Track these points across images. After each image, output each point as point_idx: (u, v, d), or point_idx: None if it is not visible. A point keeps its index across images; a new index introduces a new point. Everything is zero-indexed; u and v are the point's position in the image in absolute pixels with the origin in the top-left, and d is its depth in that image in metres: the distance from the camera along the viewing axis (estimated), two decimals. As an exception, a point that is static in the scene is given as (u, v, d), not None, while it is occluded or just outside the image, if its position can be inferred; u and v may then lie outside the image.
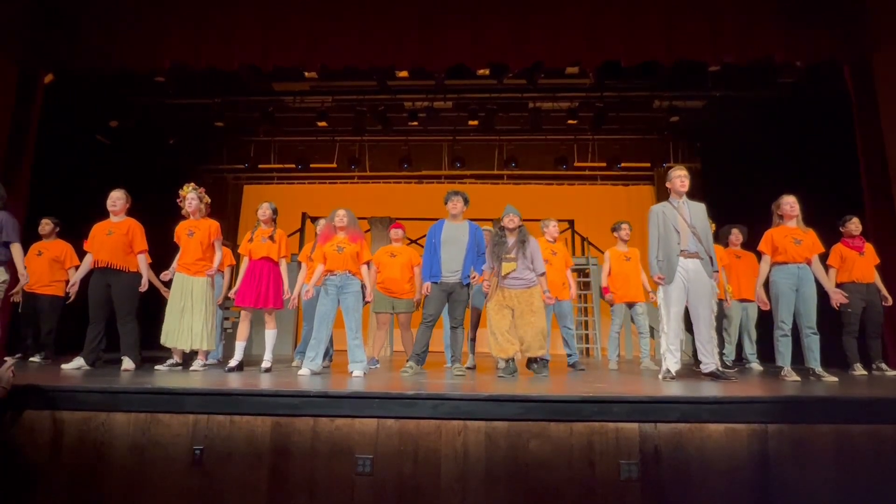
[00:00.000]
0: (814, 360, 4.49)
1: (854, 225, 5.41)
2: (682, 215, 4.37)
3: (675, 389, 3.74)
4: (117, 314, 4.72)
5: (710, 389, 3.69)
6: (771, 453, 3.02)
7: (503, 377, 4.52)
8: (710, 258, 4.33)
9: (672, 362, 4.29)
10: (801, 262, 4.57)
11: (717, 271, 4.43)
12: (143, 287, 4.78)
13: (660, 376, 4.34)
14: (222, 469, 3.10)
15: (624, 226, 6.17)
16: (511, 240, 4.73)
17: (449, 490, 3.04)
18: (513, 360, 4.64)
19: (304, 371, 4.46)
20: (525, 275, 4.66)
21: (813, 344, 4.50)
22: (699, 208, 4.47)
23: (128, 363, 4.61)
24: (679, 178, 4.46)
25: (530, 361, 4.79)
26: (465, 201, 4.93)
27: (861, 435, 3.06)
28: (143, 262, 4.82)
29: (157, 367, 4.71)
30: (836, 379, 4.32)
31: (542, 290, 4.73)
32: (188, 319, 4.66)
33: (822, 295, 4.68)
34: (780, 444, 3.04)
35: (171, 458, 3.12)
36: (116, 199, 4.82)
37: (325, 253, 4.68)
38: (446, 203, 4.93)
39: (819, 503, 2.99)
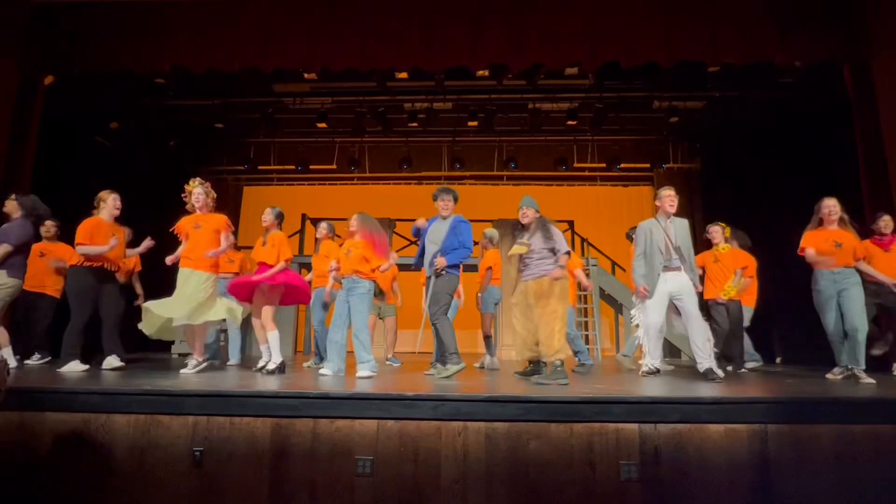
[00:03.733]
0: (853, 358, 4.46)
1: (884, 223, 5.24)
2: (668, 235, 4.58)
3: (674, 390, 3.75)
4: (106, 315, 4.70)
5: (710, 390, 3.70)
6: (771, 454, 3.02)
7: (519, 377, 4.52)
8: (692, 269, 4.58)
9: (650, 363, 4.69)
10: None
11: (697, 281, 4.65)
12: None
13: (640, 372, 4.72)
14: (222, 470, 3.10)
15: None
16: (527, 234, 4.52)
17: (449, 491, 3.04)
18: (538, 362, 4.49)
19: (324, 371, 4.54)
20: (542, 266, 4.36)
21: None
22: (683, 226, 4.66)
23: (116, 361, 4.60)
24: (668, 197, 4.65)
25: (544, 365, 4.41)
26: (455, 199, 4.89)
27: (861, 435, 3.06)
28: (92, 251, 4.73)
29: (183, 371, 4.61)
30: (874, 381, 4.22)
31: (555, 274, 4.29)
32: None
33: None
34: (780, 445, 3.04)
35: (171, 459, 3.12)
36: (119, 201, 4.89)
37: (338, 257, 4.88)
38: (435, 200, 4.88)
39: (819, 503, 2.99)
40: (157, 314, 4.43)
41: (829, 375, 4.62)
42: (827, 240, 4.61)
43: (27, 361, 5.39)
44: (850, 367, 4.46)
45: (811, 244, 4.64)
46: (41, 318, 5.58)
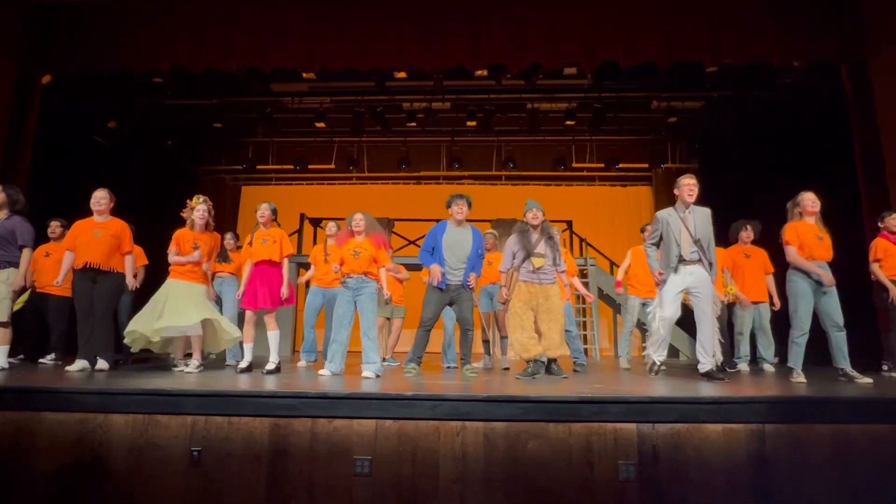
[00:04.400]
0: (843, 358, 4.33)
1: (894, 220, 5.16)
2: (686, 226, 4.40)
3: (672, 390, 3.75)
4: (96, 313, 4.64)
5: (708, 390, 3.70)
6: (768, 453, 3.03)
7: (520, 379, 4.38)
8: (710, 264, 4.39)
9: (656, 356, 4.57)
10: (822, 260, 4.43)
11: (715, 276, 4.46)
12: (132, 287, 4.82)
13: (649, 371, 4.62)
14: (220, 470, 3.09)
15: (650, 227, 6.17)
16: (535, 235, 4.65)
17: (447, 491, 3.04)
18: (536, 361, 4.50)
19: (324, 371, 4.52)
20: (551, 270, 4.63)
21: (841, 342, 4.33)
22: (704, 215, 4.46)
23: (102, 363, 4.52)
24: (688, 186, 4.44)
25: (550, 362, 4.68)
26: (469, 205, 4.84)
27: (858, 435, 3.07)
28: (130, 263, 4.79)
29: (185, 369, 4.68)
30: (870, 380, 4.19)
31: (560, 287, 4.69)
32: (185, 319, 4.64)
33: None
34: (777, 445, 3.04)
35: (169, 459, 3.11)
36: (101, 198, 4.74)
37: (341, 256, 4.72)
38: (450, 206, 4.82)
39: (817, 503, 3.00)
40: (166, 326, 4.52)
41: (793, 379, 4.31)
42: (809, 231, 4.45)
43: (41, 360, 5.37)
44: (841, 367, 4.33)
45: (795, 239, 4.42)
46: (53, 317, 5.54)
